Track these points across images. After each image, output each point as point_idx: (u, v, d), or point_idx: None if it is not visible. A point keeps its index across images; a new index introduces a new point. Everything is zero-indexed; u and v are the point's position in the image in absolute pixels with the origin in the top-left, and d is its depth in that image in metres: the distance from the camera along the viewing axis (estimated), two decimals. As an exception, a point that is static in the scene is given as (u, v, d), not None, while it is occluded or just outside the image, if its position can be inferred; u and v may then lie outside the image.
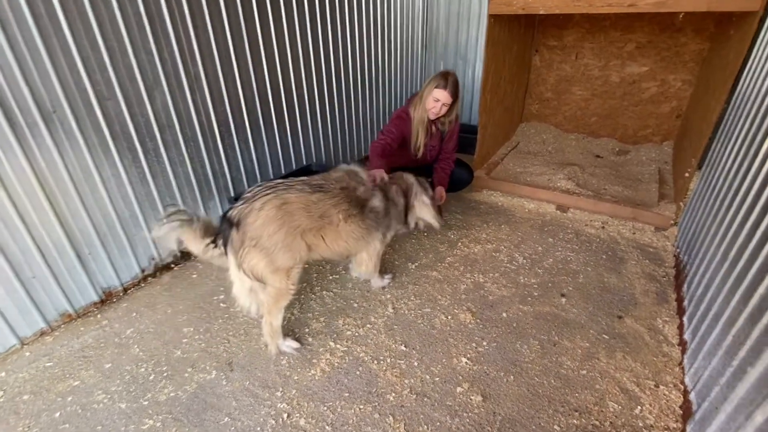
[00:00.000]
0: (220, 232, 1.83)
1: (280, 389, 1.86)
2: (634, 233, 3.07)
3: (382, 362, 1.99)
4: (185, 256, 2.81)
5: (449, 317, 2.27)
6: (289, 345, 2.05)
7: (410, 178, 2.47)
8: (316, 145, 3.74)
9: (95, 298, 2.37)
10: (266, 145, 3.20)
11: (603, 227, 3.16)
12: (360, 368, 1.96)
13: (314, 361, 2.01)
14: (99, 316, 2.33)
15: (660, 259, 2.77)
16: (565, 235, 3.08)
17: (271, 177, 3.32)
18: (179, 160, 2.60)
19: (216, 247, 1.83)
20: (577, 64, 4.64)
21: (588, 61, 4.57)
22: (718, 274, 1.82)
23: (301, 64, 3.31)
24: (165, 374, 1.95)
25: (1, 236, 1.91)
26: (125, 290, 2.52)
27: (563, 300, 2.40)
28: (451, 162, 3.04)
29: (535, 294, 2.45)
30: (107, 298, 2.44)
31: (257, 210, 1.79)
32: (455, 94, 2.63)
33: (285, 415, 1.74)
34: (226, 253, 1.82)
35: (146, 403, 1.81)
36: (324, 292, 2.49)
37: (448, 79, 2.56)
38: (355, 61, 3.96)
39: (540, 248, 2.92)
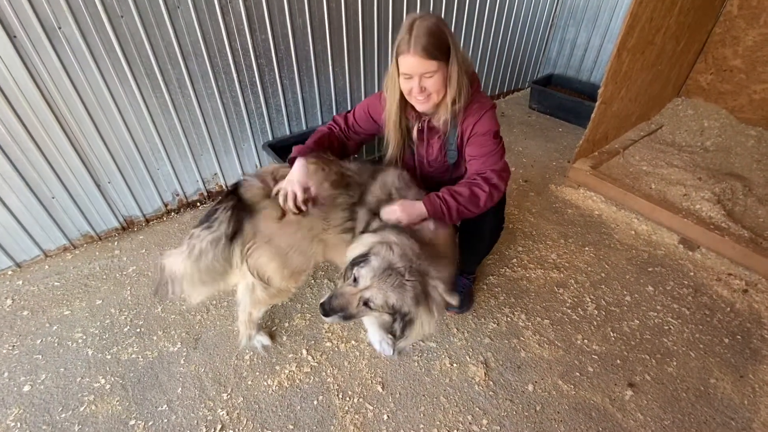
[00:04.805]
0: (228, 211, 1.42)
1: (229, 391, 1.65)
2: (797, 316, 1.99)
3: (347, 399, 1.63)
4: (212, 195, 2.68)
5: (455, 365, 1.75)
6: (261, 340, 1.79)
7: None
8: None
9: (116, 224, 2.38)
10: (317, 85, 2.72)
11: (745, 291, 2.12)
12: (320, 397, 1.63)
13: (277, 368, 1.73)
14: (116, 243, 2.35)
15: (829, 374, 1.75)
16: (676, 287, 2.14)
17: (320, 123, 2.89)
18: (207, 93, 2.30)
19: (208, 226, 1.42)
20: (807, 18, 2.97)
21: (831, 16, 2.88)
22: None
23: (374, -14, 2.60)
24: (138, 330, 1.87)
25: (13, 152, 1.89)
26: (147, 221, 2.50)
27: (628, 393, 1.67)
28: (484, 183, 1.46)
29: (590, 370, 1.75)
30: (129, 226, 2.45)
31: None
32: (436, 50, 1.33)
33: (218, 426, 1.53)
34: (229, 240, 1.41)
35: (109, 357, 1.76)
36: (326, 281, 2.14)
37: (413, 31, 1.31)
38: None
39: (628, 298, 2.08)
